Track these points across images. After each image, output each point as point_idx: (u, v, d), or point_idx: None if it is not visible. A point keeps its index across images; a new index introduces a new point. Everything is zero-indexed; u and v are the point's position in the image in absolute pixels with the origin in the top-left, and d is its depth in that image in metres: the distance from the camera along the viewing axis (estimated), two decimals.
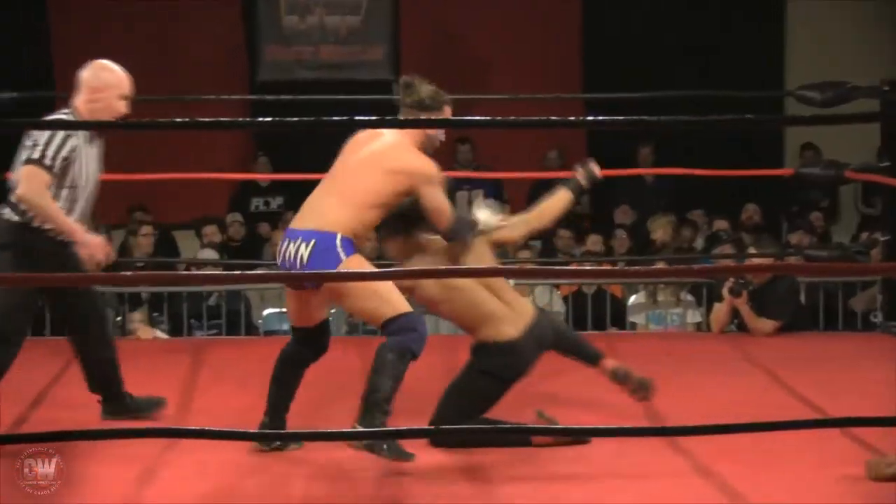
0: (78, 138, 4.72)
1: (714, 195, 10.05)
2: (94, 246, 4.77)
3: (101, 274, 8.51)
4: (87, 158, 4.79)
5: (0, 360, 4.82)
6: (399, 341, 4.41)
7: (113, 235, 9.70)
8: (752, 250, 7.45)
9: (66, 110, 4.84)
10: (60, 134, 4.66)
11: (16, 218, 4.76)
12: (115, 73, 4.87)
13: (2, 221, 4.80)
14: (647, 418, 5.12)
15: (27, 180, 4.65)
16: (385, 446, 4.37)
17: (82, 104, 4.83)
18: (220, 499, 4.18)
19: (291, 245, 4.46)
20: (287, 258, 4.47)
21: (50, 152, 4.64)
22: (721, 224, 9.30)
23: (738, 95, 9.04)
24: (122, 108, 4.84)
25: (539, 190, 10.35)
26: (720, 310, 7.36)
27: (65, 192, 4.74)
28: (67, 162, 4.69)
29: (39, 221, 4.72)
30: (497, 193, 10.24)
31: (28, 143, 4.69)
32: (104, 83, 4.83)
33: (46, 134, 4.66)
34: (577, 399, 5.36)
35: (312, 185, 4.62)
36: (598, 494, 4.19)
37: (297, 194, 9.96)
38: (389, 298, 4.43)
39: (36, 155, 4.64)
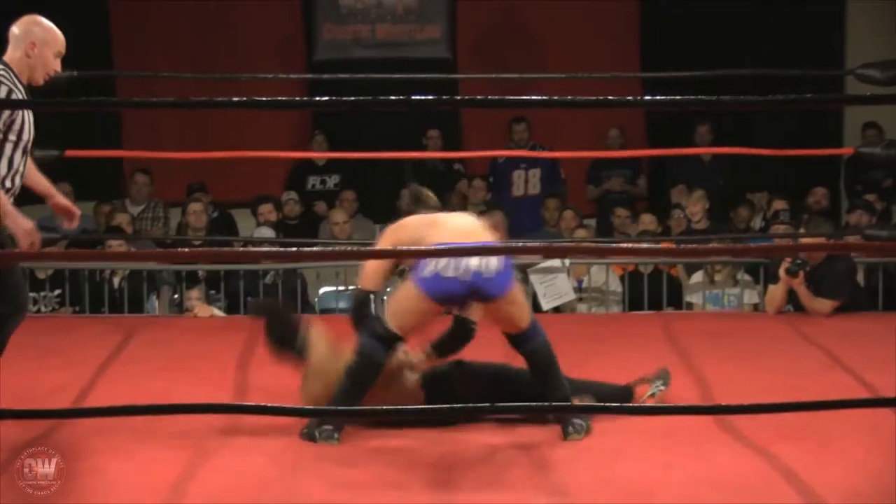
0: (16, 93, 4.51)
1: (772, 175, 9.97)
2: (29, 232, 4.43)
3: (160, 251, 8.65)
4: (27, 112, 4.58)
5: None
6: (545, 340, 4.76)
7: (170, 213, 9.80)
8: (802, 231, 7.40)
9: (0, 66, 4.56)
10: (2, 90, 4.46)
11: None
12: (48, 29, 4.65)
13: None
14: (702, 398, 5.11)
15: None
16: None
17: (17, 60, 4.60)
18: (275, 476, 4.22)
19: (475, 259, 4.57)
20: (471, 270, 4.55)
21: None
22: (779, 204, 9.22)
23: (798, 74, 8.94)
24: (56, 65, 4.67)
25: (598, 169, 10.41)
26: (776, 291, 7.31)
27: (9, 147, 4.50)
28: (12, 119, 4.49)
29: None
30: (554, 173, 10.22)
31: None
32: (39, 38, 4.61)
33: None
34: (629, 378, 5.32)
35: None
36: (650, 471, 4.18)
37: (353, 173, 10.09)
38: (528, 306, 4.85)
39: None
